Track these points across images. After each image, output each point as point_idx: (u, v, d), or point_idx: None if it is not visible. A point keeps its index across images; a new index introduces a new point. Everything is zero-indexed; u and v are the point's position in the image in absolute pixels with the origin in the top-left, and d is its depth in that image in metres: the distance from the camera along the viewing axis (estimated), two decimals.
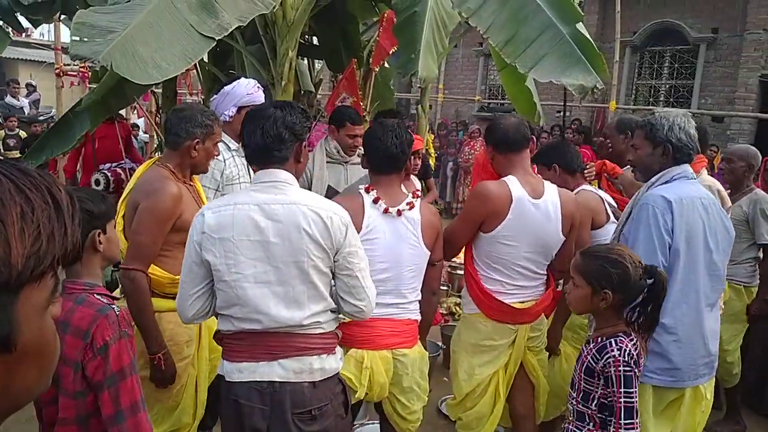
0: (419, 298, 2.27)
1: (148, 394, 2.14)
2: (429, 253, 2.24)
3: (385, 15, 4.56)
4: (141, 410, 1.46)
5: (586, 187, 2.88)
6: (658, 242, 2.10)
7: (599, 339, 1.88)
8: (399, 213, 2.16)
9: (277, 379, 1.74)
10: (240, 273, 1.71)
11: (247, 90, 2.79)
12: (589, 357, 1.88)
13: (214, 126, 2.31)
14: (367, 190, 2.20)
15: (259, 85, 2.86)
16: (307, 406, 1.76)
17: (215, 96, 2.82)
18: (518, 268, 2.40)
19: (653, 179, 2.26)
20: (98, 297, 1.51)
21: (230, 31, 2.91)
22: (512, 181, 2.36)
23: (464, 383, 2.50)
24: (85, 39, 2.63)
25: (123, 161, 6.00)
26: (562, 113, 13.04)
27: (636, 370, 1.81)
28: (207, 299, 1.80)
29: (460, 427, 2.57)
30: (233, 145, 2.77)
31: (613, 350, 1.81)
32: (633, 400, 1.79)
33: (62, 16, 5.55)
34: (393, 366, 2.18)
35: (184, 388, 2.25)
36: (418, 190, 2.39)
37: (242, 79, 2.85)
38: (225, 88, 2.79)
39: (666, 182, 2.22)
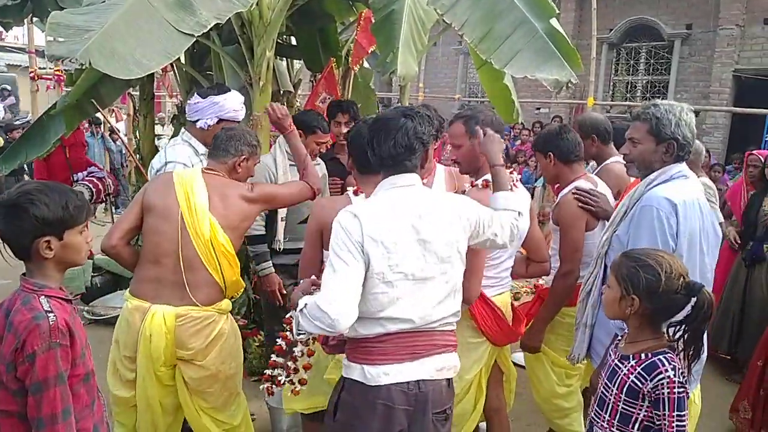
0: None
1: (231, 393, 2.40)
2: None
3: (363, 14, 4.57)
4: (59, 422, 1.46)
5: (580, 183, 2.64)
6: (662, 246, 1.97)
7: (641, 355, 1.70)
8: None
9: (422, 378, 1.77)
10: (402, 272, 1.74)
11: (234, 106, 2.78)
12: (631, 376, 1.68)
13: (258, 148, 2.52)
14: (356, 193, 2.18)
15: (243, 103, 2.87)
16: (443, 405, 1.82)
17: (200, 100, 2.76)
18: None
19: (652, 177, 2.13)
20: (42, 300, 1.50)
21: (209, 28, 2.90)
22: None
23: (455, 384, 2.48)
24: (61, 39, 2.61)
25: (92, 169, 5.92)
26: (540, 110, 13.20)
27: (687, 391, 1.66)
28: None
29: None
30: (201, 149, 2.76)
31: (666, 370, 1.63)
32: (684, 423, 1.62)
33: (35, 19, 5.47)
34: None
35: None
36: None
37: (234, 92, 2.82)
38: (215, 96, 2.74)
39: (664, 181, 2.10)
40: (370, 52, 4.61)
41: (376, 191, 1.87)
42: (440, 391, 1.81)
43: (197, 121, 2.74)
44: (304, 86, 5.87)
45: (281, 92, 4.84)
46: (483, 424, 2.79)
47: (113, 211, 5.86)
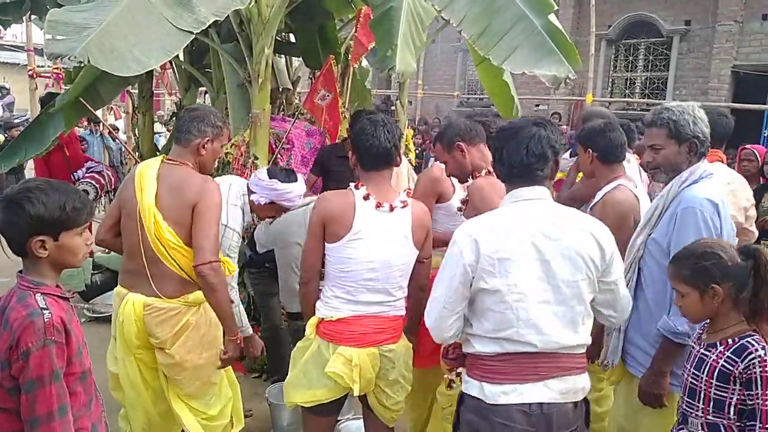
0: (405, 294, 2.27)
1: (206, 382, 2.39)
2: (418, 251, 2.24)
3: (362, 11, 4.57)
4: (56, 419, 1.45)
5: (623, 182, 2.50)
6: None
7: (728, 341, 1.71)
8: (392, 208, 2.15)
9: (546, 401, 1.69)
10: (522, 293, 1.68)
11: (292, 198, 2.79)
12: (721, 361, 1.69)
13: (224, 129, 2.42)
14: (357, 187, 2.18)
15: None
16: (569, 427, 1.73)
17: (265, 179, 2.74)
18: None
19: (683, 176, 2.09)
20: (38, 298, 1.50)
21: (207, 25, 2.90)
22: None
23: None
24: (60, 36, 2.62)
25: (90, 164, 5.91)
26: (539, 107, 13.20)
27: None
28: (462, 320, 1.78)
29: (446, 420, 2.56)
30: (248, 218, 2.81)
31: (756, 350, 1.65)
32: None
33: (33, 17, 5.46)
34: (380, 361, 2.19)
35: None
36: (410, 189, 2.38)
37: (299, 183, 2.81)
38: (279, 184, 2.73)
39: (695, 181, 2.07)
40: (369, 48, 4.61)
41: (503, 203, 1.81)
42: (566, 413, 1.72)
43: (253, 193, 2.76)
44: (303, 83, 5.87)
45: (280, 89, 4.85)
46: None
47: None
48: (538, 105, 13.22)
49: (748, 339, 1.69)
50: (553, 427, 1.70)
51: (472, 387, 1.76)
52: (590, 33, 8.83)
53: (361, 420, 2.48)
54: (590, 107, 6.10)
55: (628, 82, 12.89)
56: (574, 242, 1.71)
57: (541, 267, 1.69)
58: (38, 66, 7.15)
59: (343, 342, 2.14)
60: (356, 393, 2.16)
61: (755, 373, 1.64)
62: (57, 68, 7.13)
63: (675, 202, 2.07)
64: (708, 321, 1.83)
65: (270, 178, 2.75)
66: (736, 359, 1.67)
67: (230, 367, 2.52)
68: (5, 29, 6.08)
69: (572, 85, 3.51)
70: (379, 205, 2.14)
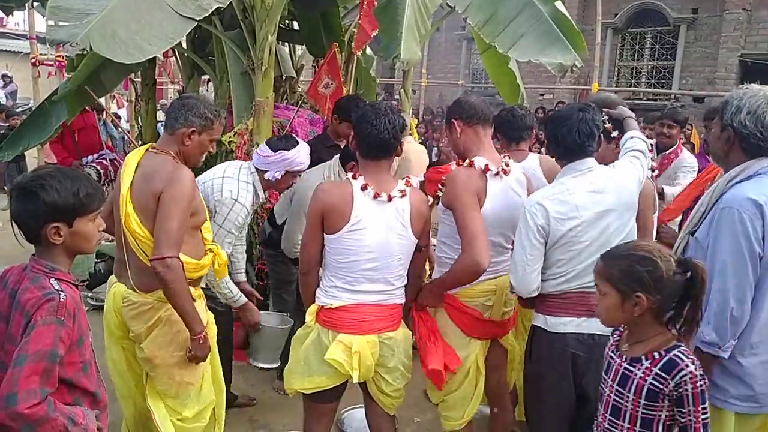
0: (405, 283, 2.27)
1: (180, 382, 2.24)
2: (416, 240, 2.23)
3: None
4: (37, 397, 1.37)
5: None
6: (749, 254, 1.78)
7: (655, 355, 1.61)
8: (390, 198, 2.14)
9: (596, 332, 2.06)
10: (582, 242, 2.09)
11: (302, 159, 2.78)
12: (649, 378, 1.59)
13: (215, 122, 2.27)
14: (355, 177, 2.16)
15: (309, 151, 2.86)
16: None
17: (270, 153, 2.74)
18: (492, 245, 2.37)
19: (733, 173, 1.91)
20: (53, 282, 1.49)
21: (210, 12, 2.88)
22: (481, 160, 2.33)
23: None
24: (62, 23, 2.60)
25: (104, 152, 5.95)
26: (544, 96, 13.12)
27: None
28: (541, 274, 2.15)
29: (445, 409, 2.53)
30: (261, 194, 2.81)
31: (687, 365, 1.55)
32: (708, 415, 1.57)
33: (35, 3, 5.44)
34: (379, 349, 2.19)
35: (205, 366, 2.35)
36: (409, 178, 2.34)
37: (302, 145, 2.79)
38: (285, 152, 2.72)
39: (748, 177, 1.87)
40: (373, 36, 4.57)
41: (560, 175, 2.19)
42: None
43: (266, 172, 2.75)
44: (306, 72, 5.83)
45: (283, 77, 4.82)
46: (483, 407, 2.80)
47: None
48: (543, 94, 13.14)
49: (676, 353, 1.58)
50: (600, 356, 1.93)
51: (537, 319, 2.21)
52: (596, 21, 8.72)
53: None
54: (601, 93, 6.02)
55: (634, 71, 12.79)
56: (625, 193, 2.14)
57: (596, 220, 2.09)
58: (41, 54, 7.10)
59: (343, 329, 2.15)
60: (355, 380, 2.16)
61: (687, 390, 1.55)
62: (60, 56, 7.10)
63: (719, 201, 1.89)
64: (624, 328, 1.74)
65: (274, 151, 2.74)
66: (666, 377, 1.57)
67: (219, 368, 2.43)
68: (8, 16, 6.05)
69: (578, 73, 3.48)
70: (377, 195, 2.12)
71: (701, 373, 1.57)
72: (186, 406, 2.29)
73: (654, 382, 1.59)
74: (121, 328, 2.26)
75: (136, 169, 2.20)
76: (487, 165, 2.29)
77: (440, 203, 2.41)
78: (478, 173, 2.28)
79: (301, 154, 2.79)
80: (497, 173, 2.32)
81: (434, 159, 11.02)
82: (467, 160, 2.32)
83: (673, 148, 3.85)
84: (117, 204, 2.20)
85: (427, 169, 3.45)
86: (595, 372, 2.00)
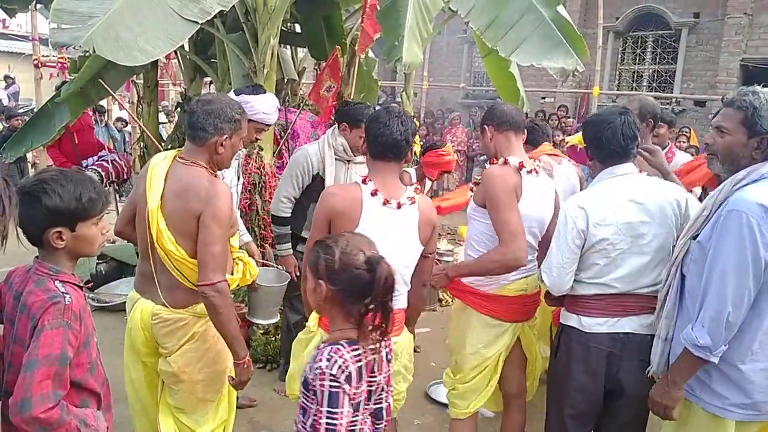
0: (408, 288, 2.26)
1: (201, 398, 2.20)
2: (423, 247, 2.22)
3: (368, 1, 4.53)
4: (51, 401, 1.39)
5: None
6: (752, 259, 1.74)
7: (321, 345, 1.59)
8: (399, 206, 2.12)
9: (630, 331, 2.14)
10: (619, 249, 2.12)
11: (264, 108, 2.72)
12: (307, 367, 1.56)
13: (242, 121, 2.19)
14: (364, 181, 2.14)
15: (278, 106, 2.79)
16: (648, 355, 2.06)
17: (234, 97, 2.60)
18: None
19: (739, 176, 1.84)
20: (58, 284, 1.50)
21: (213, 15, 2.89)
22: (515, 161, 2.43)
23: (471, 357, 2.47)
24: (65, 26, 2.60)
25: (104, 153, 5.95)
26: (546, 99, 13.12)
27: (346, 387, 1.49)
28: (574, 275, 2.19)
29: (454, 397, 2.57)
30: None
31: (321, 360, 1.50)
32: (335, 422, 1.47)
33: (38, 5, 5.45)
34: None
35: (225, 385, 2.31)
36: (417, 184, 2.34)
37: (268, 95, 2.75)
38: (246, 95, 2.66)
39: (754, 181, 1.82)
40: (375, 39, 4.58)
41: (598, 179, 2.21)
42: (647, 342, 2.09)
43: None
44: (308, 75, 5.84)
45: (285, 80, 4.82)
46: (485, 411, 2.80)
47: (117, 198, 5.86)
48: (544, 98, 13.14)
49: (327, 347, 1.54)
50: (634, 353, 2.12)
51: (570, 319, 2.23)
52: (598, 25, 8.74)
53: None
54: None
55: (636, 75, 12.79)
56: (662, 206, 2.14)
57: (633, 227, 2.11)
58: (43, 56, 7.14)
59: None
60: None
61: (315, 385, 1.50)
62: (62, 58, 7.12)
63: (725, 204, 1.84)
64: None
65: (237, 95, 2.69)
66: (308, 368, 1.54)
67: (233, 390, 2.34)
68: (11, 18, 6.06)
69: (579, 77, 3.48)
70: (386, 202, 2.11)
71: (337, 373, 1.49)
72: (200, 424, 2.24)
73: (307, 371, 1.55)
74: (147, 345, 2.18)
75: (165, 180, 2.09)
76: (521, 162, 2.39)
77: (472, 201, 2.48)
78: (513, 170, 2.37)
79: (263, 103, 2.72)
80: (530, 171, 2.40)
81: None
82: (501, 159, 2.41)
83: (665, 151, 3.84)
84: (142, 216, 2.09)
85: (424, 153, 3.47)
86: (629, 365, 2.13)
